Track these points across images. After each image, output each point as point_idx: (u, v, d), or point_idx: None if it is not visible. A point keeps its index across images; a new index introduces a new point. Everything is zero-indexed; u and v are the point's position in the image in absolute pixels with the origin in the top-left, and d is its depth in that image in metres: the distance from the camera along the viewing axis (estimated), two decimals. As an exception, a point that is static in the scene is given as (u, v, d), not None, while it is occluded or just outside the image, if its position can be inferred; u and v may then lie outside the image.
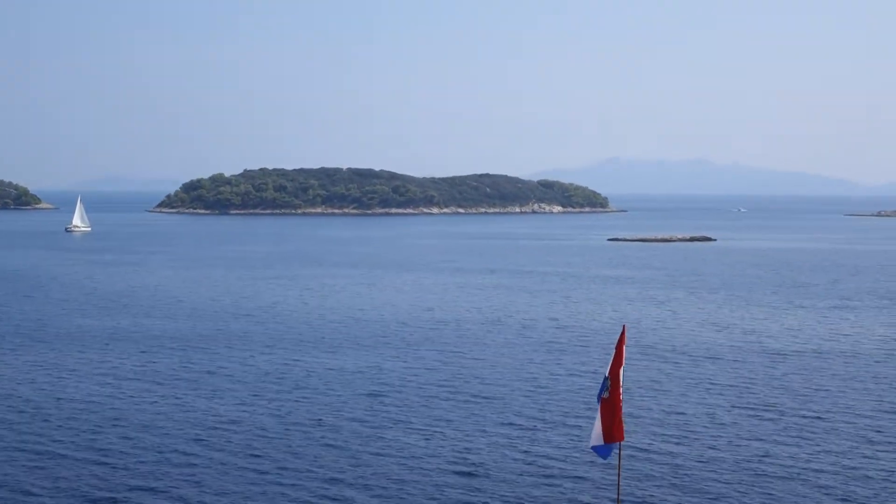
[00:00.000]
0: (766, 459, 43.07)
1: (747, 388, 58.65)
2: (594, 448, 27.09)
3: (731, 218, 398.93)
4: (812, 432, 47.94)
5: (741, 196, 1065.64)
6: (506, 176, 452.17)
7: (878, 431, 48.19)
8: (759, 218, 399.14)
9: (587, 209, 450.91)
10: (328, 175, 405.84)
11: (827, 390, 57.91)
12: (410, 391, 57.43)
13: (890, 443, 46.08)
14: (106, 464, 42.50)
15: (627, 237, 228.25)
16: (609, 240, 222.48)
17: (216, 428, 48.60)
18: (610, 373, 26.63)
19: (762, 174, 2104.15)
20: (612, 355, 26.78)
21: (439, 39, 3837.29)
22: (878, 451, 44.73)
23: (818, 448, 45.09)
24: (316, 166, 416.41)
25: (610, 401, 26.55)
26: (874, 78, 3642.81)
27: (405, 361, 67.34)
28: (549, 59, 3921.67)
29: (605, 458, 27.97)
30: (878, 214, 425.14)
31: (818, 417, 50.88)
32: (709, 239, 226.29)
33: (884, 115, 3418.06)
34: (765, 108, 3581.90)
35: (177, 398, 55.59)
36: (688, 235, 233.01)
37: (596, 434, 26.90)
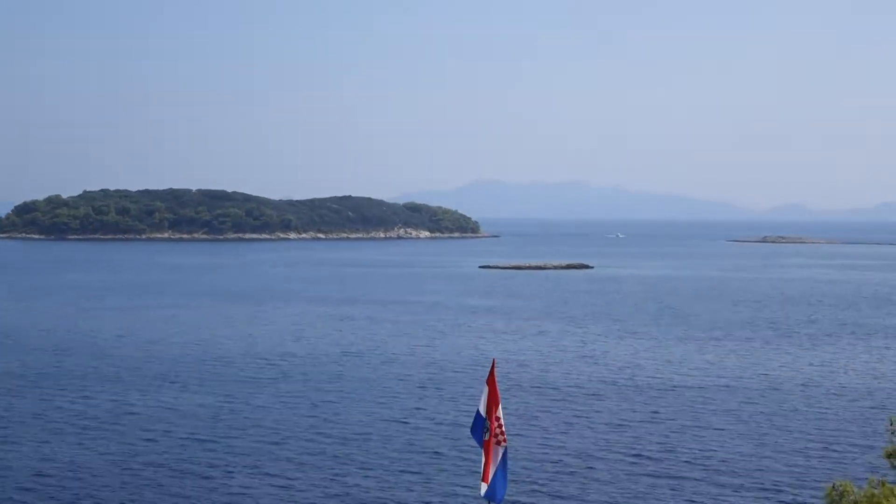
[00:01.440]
0: (642, 504, 43.58)
1: (623, 427, 59.30)
2: (486, 496, 26.78)
3: (609, 244, 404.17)
4: (687, 476, 48.71)
5: (621, 220, 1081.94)
6: (370, 198, 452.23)
7: (752, 475, 49.18)
8: (639, 244, 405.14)
9: (457, 234, 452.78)
10: (176, 197, 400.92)
11: (705, 430, 58.87)
12: (262, 432, 56.79)
13: (761, 488, 47.03)
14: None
15: (500, 264, 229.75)
16: (480, 267, 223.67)
17: (45, 475, 47.38)
18: (486, 412, 26.36)
19: (643, 197, 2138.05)
20: (485, 393, 26.54)
21: (302, 56, 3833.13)
22: (755, 499, 45.61)
23: (691, 495, 45.74)
24: (163, 187, 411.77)
25: (489, 443, 26.37)
26: (755, 102, 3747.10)
27: (256, 399, 66.65)
28: (415, 75, 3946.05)
29: (500, 502, 27.64)
30: (763, 240, 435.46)
31: (691, 461, 51.72)
32: (585, 266, 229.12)
33: (767, 139, 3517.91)
34: (646, 129, 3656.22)
35: (2, 442, 54.18)
36: (563, 262, 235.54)
37: (485, 482, 26.63)
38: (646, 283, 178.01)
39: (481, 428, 26.35)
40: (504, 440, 26.33)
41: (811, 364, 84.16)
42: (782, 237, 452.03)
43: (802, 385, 73.95)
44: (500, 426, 26.18)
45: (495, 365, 26.87)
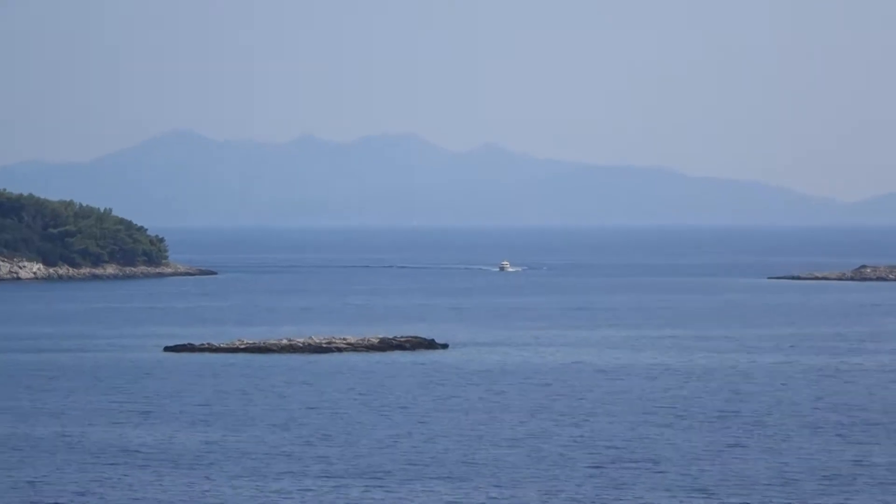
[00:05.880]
0: None
1: None
2: None
3: (483, 288, 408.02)
4: None
5: (514, 230, 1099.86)
6: None
7: None
8: (555, 287, 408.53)
9: (113, 269, 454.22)
10: None
11: None
12: None
13: None
14: None
15: (216, 344, 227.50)
16: (167, 349, 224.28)
17: None
18: None
19: (577, 171, 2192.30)
20: None
21: None
22: None
23: None
24: None
25: None
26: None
27: None
28: None
29: None
30: (858, 276, 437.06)
31: None
32: (426, 344, 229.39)
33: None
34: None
35: None
36: (374, 337, 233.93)
37: None
38: (562, 383, 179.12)
39: None
40: None
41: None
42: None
43: None
44: None
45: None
